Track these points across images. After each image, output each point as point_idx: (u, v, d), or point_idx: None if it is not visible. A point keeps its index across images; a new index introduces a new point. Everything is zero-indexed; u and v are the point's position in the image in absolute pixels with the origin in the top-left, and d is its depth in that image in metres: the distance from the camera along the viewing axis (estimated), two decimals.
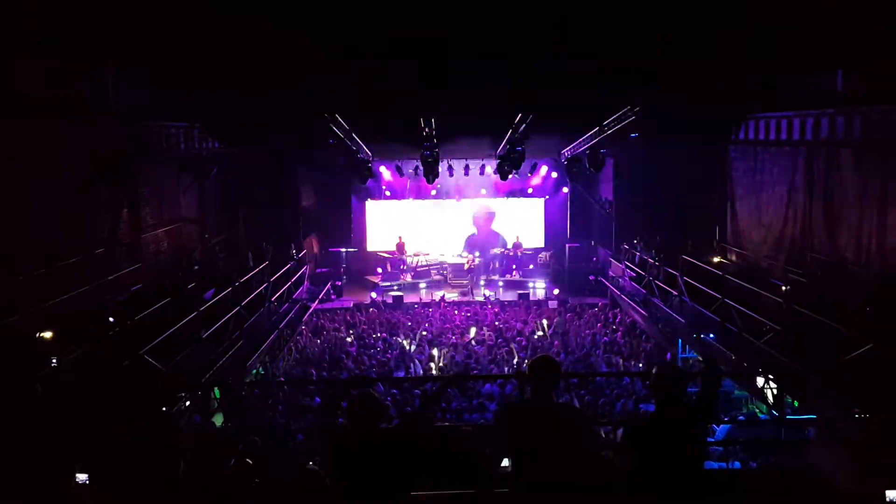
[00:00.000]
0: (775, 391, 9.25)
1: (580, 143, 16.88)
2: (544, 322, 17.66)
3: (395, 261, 23.17)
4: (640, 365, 14.03)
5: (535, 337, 16.18)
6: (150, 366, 8.81)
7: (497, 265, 23.44)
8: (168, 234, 15.06)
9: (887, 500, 4.29)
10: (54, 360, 6.75)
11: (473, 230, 24.79)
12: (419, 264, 23.06)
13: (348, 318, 18.23)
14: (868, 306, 8.92)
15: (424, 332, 16.25)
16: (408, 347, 15.15)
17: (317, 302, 18.70)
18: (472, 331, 16.41)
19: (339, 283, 21.15)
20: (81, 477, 4.00)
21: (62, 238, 10.99)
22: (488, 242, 24.20)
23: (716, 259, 15.98)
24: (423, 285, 22.47)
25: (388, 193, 24.13)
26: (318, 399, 10.89)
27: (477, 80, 11.20)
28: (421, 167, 17.98)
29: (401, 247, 23.33)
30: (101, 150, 11.25)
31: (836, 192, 12.47)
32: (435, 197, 24.03)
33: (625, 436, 4.26)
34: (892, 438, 6.95)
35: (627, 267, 18.11)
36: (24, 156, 9.40)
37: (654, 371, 4.13)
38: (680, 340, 14.26)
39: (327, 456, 4.19)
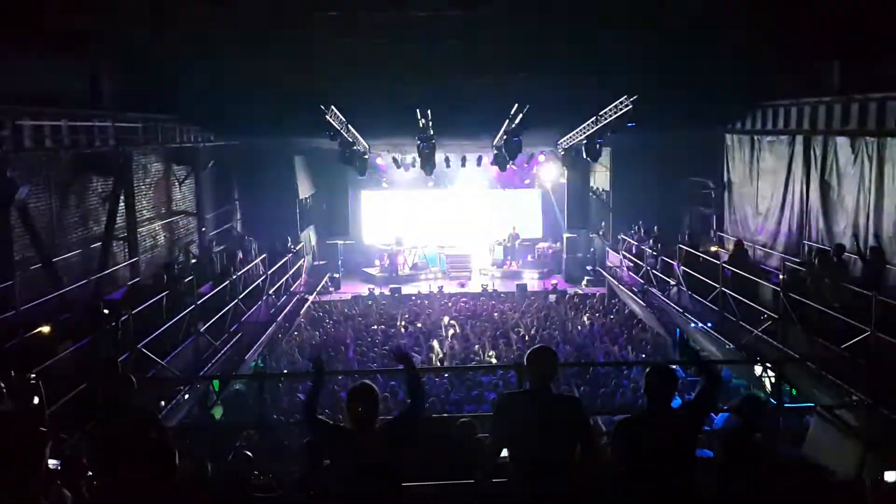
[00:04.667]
0: (773, 379, 9.27)
1: (577, 132, 16.80)
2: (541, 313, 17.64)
3: (392, 253, 23.11)
4: (643, 355, 13.99)
5: (533, 328, 16.15)
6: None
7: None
8: (164, 227, 15.01)
9: (886, 481, 4.31)
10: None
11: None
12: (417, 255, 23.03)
13: (346, 310, 18.23)
14: (864, 293, 8.92)
15: (420, 325, 16.22)
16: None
17: (315, 294, 18.67)
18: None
19: (337, 276, 21.15)
20: (52, 462, 3.90)
21: (58, 233, 10.96)
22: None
23: (713, 248, 15.97)
24: (421, 277, 22.44)
25: (385, 185, 24.02)
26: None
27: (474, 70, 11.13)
28: (418, 158, 17.88)
29: (398, 239, 23.24)
30: (97, 143, 11.19)
31: (833, 180, 12.47)
32: (432, 188, 23.91)
33: (616, 427, 4.22)
34: (889, 423, 6.97)
35: (625, 257, 18.10)
36: (18, 151, 9.35)
37: (646, 371, 4.12)
38: (678, 330, 14.26)
39: (320, 447, 4.19)
